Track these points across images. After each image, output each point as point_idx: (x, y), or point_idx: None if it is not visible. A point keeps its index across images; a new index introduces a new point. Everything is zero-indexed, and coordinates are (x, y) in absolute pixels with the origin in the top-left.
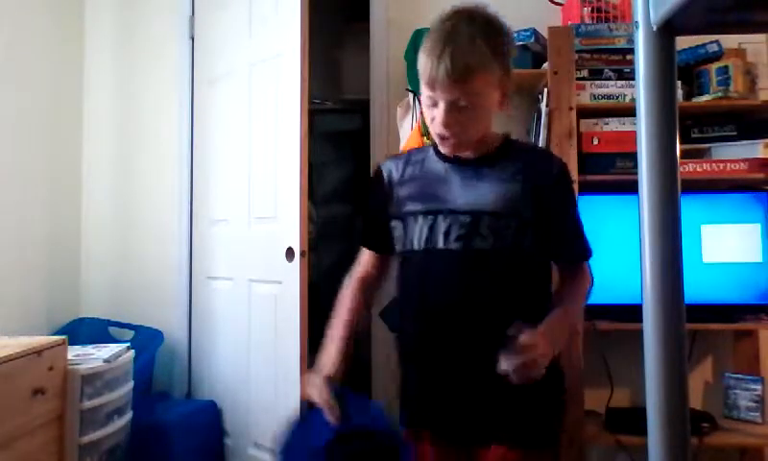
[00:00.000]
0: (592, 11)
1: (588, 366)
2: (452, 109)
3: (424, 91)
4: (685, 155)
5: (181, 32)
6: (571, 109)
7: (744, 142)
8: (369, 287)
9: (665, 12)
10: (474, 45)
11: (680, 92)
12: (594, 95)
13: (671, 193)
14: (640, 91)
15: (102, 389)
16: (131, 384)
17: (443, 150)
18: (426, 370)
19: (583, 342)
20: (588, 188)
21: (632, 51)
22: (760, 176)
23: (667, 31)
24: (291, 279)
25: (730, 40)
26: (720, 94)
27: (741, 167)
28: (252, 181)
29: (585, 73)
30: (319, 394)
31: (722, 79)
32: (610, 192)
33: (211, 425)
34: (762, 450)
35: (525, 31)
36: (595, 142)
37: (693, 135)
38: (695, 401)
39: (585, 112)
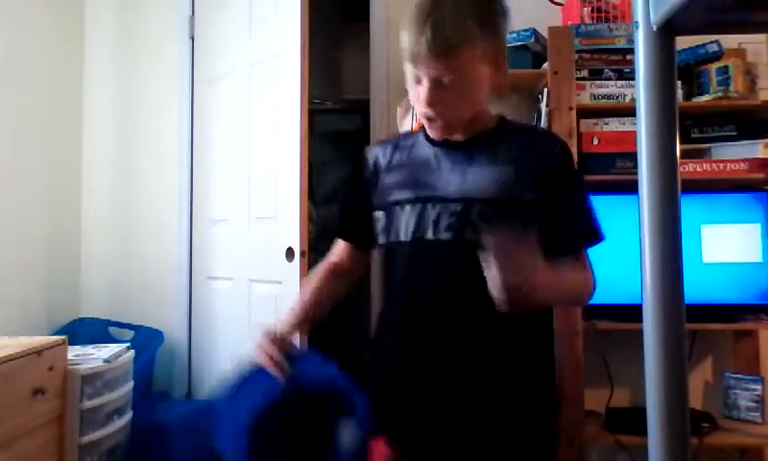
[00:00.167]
0: (592, 11)
1: (588, 366)
2: (436, 86)
3: (408, 68)
4: (685, 155)
5: (181, 32)
6: (571, 109)
7: (744, 142)
8: (339, 276)
9: (665, 13)
10: (459, 16)
11: (680, 92)
12: (594, 95)
13: (671, 193)
14: (640, 91)
15: (102, 389)
16: (131, 384)
17: (430, 133)
18: (409, 373)
19: (583, 342)
20: (589, 188)
21: (632, 51)
22: (760, 176)
23: (667, 31)
24: (291, 279)
25: (730, 40)
26: (720, 94)
27: (741, 167)
28: (251, 181)
29: (585, 73)
30: (264, 350)
31: (722, 79)
32: (610, 192)
33: (211, 425)
34: (762, 450)
35: (525, 31)
36: (595, 142)
37: (693, 135)
38: (695, 401)
39: (585, 112)
